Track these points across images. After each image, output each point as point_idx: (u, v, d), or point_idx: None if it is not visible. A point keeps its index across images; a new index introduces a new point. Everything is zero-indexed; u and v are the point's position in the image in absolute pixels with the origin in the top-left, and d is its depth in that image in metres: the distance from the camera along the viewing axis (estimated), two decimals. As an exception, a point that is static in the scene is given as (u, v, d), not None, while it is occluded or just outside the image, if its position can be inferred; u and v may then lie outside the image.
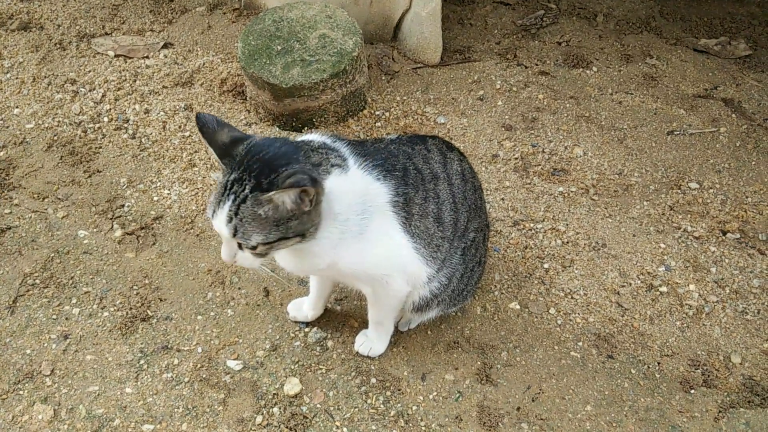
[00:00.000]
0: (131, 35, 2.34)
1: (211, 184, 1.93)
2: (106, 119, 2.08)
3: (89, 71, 2.21)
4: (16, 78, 2.19)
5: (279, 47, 2.03)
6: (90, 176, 1.93)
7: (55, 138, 2.01)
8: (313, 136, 1.27)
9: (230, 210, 1.08)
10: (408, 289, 1.29)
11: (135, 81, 2.17)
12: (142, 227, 1.77)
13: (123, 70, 2.22)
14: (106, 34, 2.35)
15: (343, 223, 1.18)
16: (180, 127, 2.04)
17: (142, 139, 2.01)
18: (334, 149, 1.21)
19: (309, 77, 1.96)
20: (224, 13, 2.44)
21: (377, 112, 2.14)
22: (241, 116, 2.10)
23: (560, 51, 2.36)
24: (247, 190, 1.08)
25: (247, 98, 2.15)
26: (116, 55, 2.27)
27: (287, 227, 1.10)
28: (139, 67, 2.23)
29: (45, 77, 2.18)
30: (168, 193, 1.87)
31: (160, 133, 2.03)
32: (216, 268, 1.72)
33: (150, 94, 2.14)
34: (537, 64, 2.31)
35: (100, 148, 1.99)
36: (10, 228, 1.76)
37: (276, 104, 2.01)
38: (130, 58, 2.27)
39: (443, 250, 1.31)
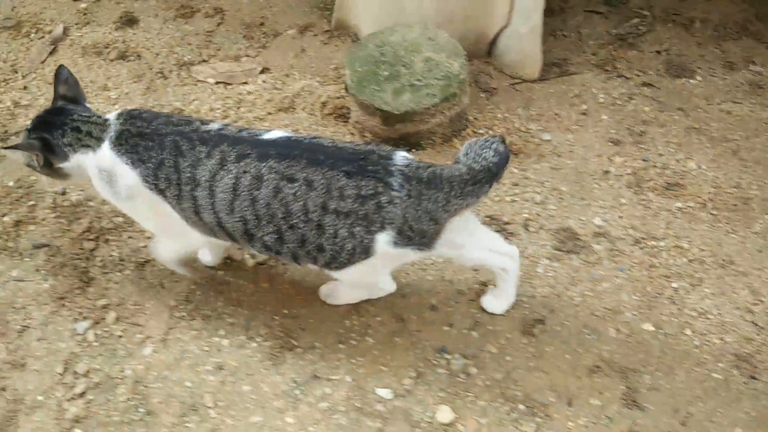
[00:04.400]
0: (228, 61, 2.37)
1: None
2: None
3: (194, 100, 2.25)
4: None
5: (386, 72, 2.04)
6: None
7: None
8: (110, 115, 1.51)
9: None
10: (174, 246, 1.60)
11: (239, 108, 2.21)
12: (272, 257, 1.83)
13: (226, 97, 2.25)
14: (204, 61, 2.38)
15: (102, 180, 1.46)
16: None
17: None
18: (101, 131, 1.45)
19: (420, 102, 1.97)
20: (315, 35, 2.46)
21: (480, 131, 2.15)
22: (346, 139, 2.12)
23: (660, 60, 2.33)
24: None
25: (350, 120, 2.17)
26: (216, 82, 2.30)
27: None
28: (240, 94, 2.27)
29: (152, 107, 2.22)
30: None
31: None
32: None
33: (255, 120, 2.18)
34: (638, 75, 2.28)
35: None
36: (148, 261, 1.79)
37: (385, 129, 2.03)
38: (229, 84, 2.30)
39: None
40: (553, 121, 2.17)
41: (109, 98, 2.27)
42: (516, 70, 2.29)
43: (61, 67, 1.59)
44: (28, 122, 1.56)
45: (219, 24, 2.53)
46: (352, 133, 2.15)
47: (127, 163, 1.41)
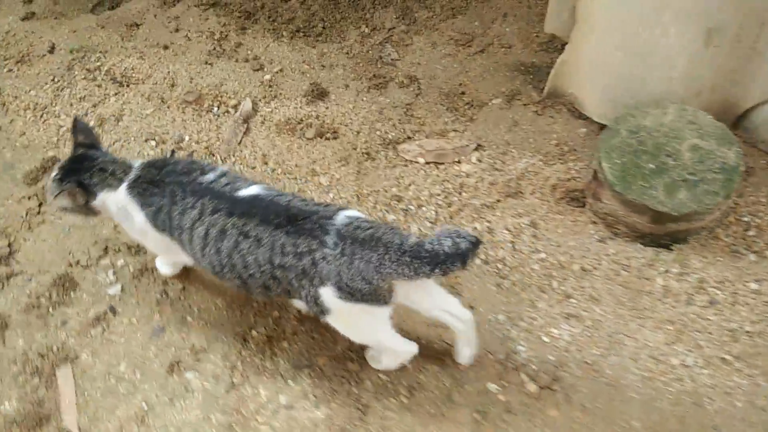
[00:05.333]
0: (435, 138, 2.23)
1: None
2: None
3: (410, 184, 2.11)
4: (340, 197, 2.09)
5: (650, 165, 1.85)
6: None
7: None
8: (135, 162, 1.70)
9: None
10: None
11: (461, 193, 2.06)
12: (554, 378, 1.65)
13: (443, 180, 2.11)
14: (409, 138, 2.23)
15: (120, 215, 1.67)
16: (532, 248, 1.91)
17: (498, 265, 1.89)
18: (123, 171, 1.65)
19: (701, 201, 1.77)
20: (525, 105, 2.29)
21: (744, 218, 1.94)
22: (589, 230, 1.94)
23: None
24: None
25: (586, 206, 1.99)
26: (427, 162, 2.16)
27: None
28: (458, 176, 2.12)
29: (368, 194, 2.09)
30: (558, 333, 1.74)
31: (514, 257, 1.90)
32: (654, 428, 1.57)
33: (483, 208, 2.02)
34: None
35: (457, 276, 1.89)
36: (419, 384, 1.63)
37: (652, 227, 1.84)
38: (440, 163, 2.16)
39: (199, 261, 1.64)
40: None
41: (321, 185, 2.14)
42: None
43: (76, 118, 1.80)
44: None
45: (417, 95, 2.39)
46: (594, 222, 1.95)
47: (137, 205, 1.64)
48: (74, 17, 2.92)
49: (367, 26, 2.66)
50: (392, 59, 2.49)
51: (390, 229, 1.43)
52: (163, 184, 1.60)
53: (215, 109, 2.42)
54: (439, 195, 2.08)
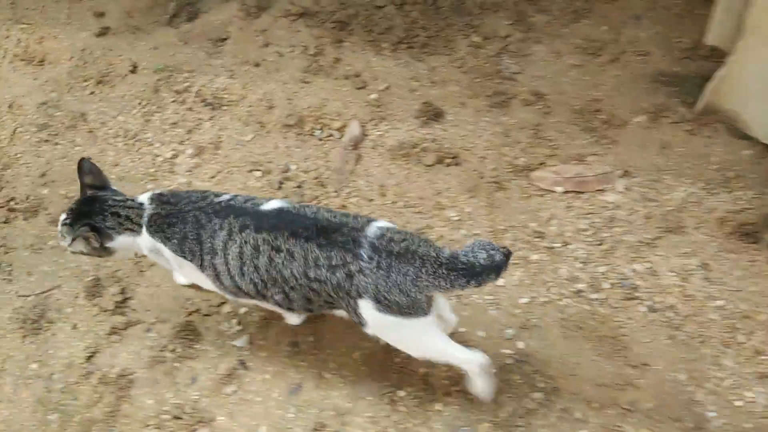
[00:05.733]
0: (572, 163, 2.00)
1: None
2: (606, 285, 1.74)
3: (550, 218, 1.89)
4: (473, 233, 1.88)
5: None
6: (637, 369, 1.56)
7: (563, 317, 1.71)
8: (143, 197, 1.66)
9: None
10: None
11: (611, 228, 1.83)
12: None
13: (588, 213, 1.89)
14: (542, 164, 2.01)
15: (154, 256, 1.66)
16: (706, 294, 1.68)
17: (668, 314, 1.67)
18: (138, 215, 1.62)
19: None
20: (674, 123, 2.04)
21: None
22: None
23: None
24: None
25: (762, 242, 1.73)
26: (565, 191, 1.94)
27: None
28: (605, 207, 1.89)
29: (504, 230, 1.89)
30: (753, 396, 1.51)
31: (685, 304, 1.67)
32: None
33: (641, 246, 1.79)
34: None
35: (621, 327, 1.66)
36: None
37: None
38: (581, 192, 1.94)
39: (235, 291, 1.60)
40: None
41: (450, 220, 1.94)
42: None
43: (82, 159, 1.72)
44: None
45: (545, 113, 2.16)
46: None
47: (160, 241, 1.61)
48: (152, 31, 2.72)
49: (477, 34, 2.41)
50: (512, 73, 2.25)
51: (424, 240, 1.44)
52: (182, 214, 1.57)
53: (317, 132, 2.23)
54: (586, 230, 1.86)
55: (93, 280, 1.97)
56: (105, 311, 1.89)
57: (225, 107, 2.37)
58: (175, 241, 1.57)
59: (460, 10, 2.50)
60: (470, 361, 1.51)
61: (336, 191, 2.06)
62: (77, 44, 2.70)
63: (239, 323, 1.82)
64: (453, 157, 2.09)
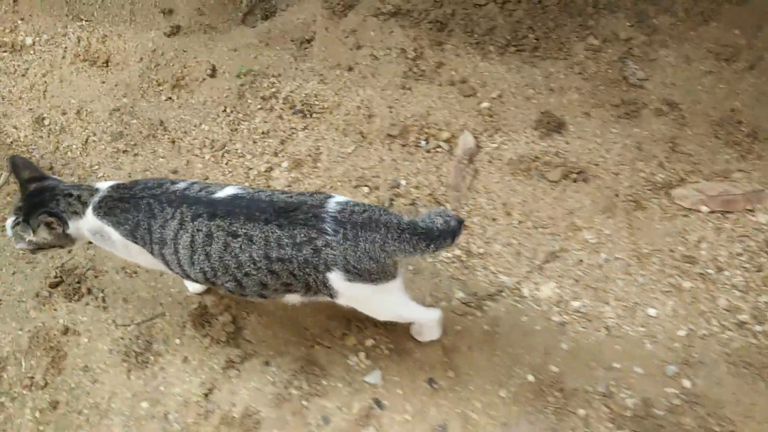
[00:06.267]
0: (716, 180, 1.84)
1: None
2: (772, 317, 1.66)
3: (699, 241, 1.74)
4: (615, 257, 1.73)
5: None
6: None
7: (728, 352, 1.57)
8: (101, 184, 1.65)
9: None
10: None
11: (770, 253, 1.76)
12: None
13: (741, 237, 1.74)
14: (682, 180, 1.86)
15: (98, 240, 1.63)
16: None
17: None
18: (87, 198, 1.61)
19: None
20: (827, 136, 1.96)
21: None
22: None
23: None
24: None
25: None
26: (711, 211, 1.79)
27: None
28: (758, 230, 1.74)
29: (649, 254, 1.72)
30: None
31: None
32: None
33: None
34: None
35: None
36: None
37: None
38: (728, 212, 1.79)
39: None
40: None
41: (587, 242, 1.79)
42: None
43: (13, 156, 1.71)
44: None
45: (681, 125, 1.99)
46: None
47: (110, 225, 1.58)
48: (227, 31, 2.53)
49: (593, 37, 2.22)
50: (639, 79, 2.08)
51: (383, 209, 1.50)
52: (135, 200, 1.55)
53: (423, 143, 2.07)
54: (741, 255, 1.71)
55: (199, 307, 1.82)
56: (218, 342, 1.74)
57: (316, 115, 2.20)
58: (126, 227, 1.55)
59: (571, 10, 2.30)
60: (430, 318, 1.66)
61: (455, 210, 1.94)
62: (146, 44, 2.49)
63: (367, 357, 1.67)
64: (579, 172, 1.93)
